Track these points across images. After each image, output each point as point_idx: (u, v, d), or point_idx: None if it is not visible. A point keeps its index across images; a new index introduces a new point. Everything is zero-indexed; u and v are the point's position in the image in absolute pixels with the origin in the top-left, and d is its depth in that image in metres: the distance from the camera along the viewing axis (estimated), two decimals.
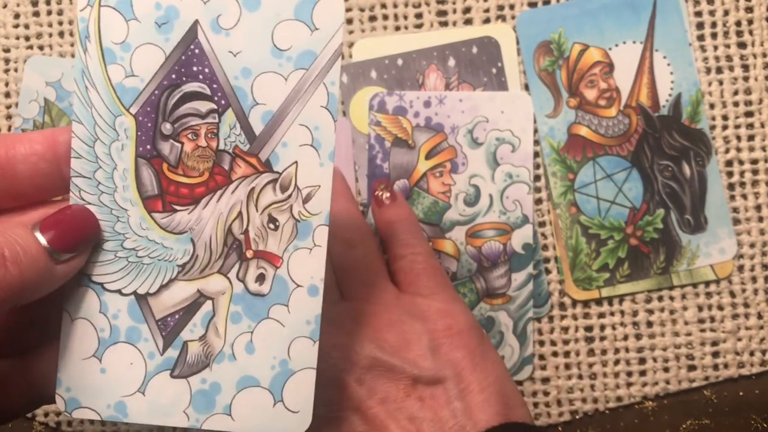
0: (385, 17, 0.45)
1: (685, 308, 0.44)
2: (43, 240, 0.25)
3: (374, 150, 0.44)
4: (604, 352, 0.44)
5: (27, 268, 0.25)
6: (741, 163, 0.44)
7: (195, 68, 0.27)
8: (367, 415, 0.33)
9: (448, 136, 0.44)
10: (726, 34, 0.44)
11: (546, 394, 0.43)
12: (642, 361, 0.43)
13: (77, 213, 0.27)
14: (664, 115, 0.44)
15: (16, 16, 0.45)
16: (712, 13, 0.44)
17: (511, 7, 0.44)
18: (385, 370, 0.34)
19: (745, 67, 0.44)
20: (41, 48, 0.45)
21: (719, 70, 0.44)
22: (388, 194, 0.41)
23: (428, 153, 0.44)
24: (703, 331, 0.44)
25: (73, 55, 0.45)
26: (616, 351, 0.44)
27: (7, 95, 0.44)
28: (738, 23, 0.44)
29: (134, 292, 0.28)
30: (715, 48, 0.44)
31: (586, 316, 0.44)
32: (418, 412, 0.33)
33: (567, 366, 0.44)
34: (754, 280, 0.44)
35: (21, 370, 0.29)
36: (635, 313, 0.43)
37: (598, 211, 0.43)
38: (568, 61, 0.44)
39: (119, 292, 0.28)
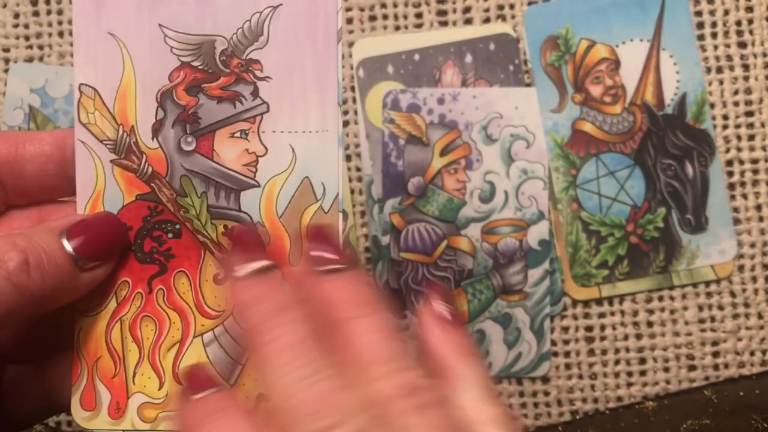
0: (385, 17, 0.45)
1: (685, 308, 0.43)
2: (69, 247, 0.26)
3: (388, 148, 0.44)
4: (604, 352, 0.44)
5: (49, 275, 0.25)
6: (741, 162, 0.44)
7: None
8: None
9: (462, 132, 0.44)
10: (726, 33, 0.44)
11: (546, 394, 0.43)
12: (642, 361, 0.43)
13: (105, 220, 0.27)
14: (669, 114, 0.44)
15: (16, 15, 0.45)
16: (712, 12, 0.44)
17: (511, 6, 0.44)
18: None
19: (746, 67, 0.44)
20: (41, 48, 0.45)
21: (719, 70, 0.44)
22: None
23: (443, 150, 0.44)
24: (703, 331, 0.43)
25: (72, 55, 0.45)
26: (617, 351, 0.43)
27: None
28: (738, 23, 0.44)
29: None
30: (716, 48, 0.44)
31: (587, 316, 0.44)
32: None
33: (567, 366, 0.44)
34: (754, 280, 0.44)
35: (36, 377, 0.29)
36: (635, 313, 0.43)
37: (599, 207, 0.43)
38: (574, 56, 0.44)
39: None
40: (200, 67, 0.27)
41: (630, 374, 0.43)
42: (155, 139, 0.27)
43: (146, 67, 0.27)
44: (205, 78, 0.27)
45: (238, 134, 0.28)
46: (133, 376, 0.28)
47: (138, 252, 0.28)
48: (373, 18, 0.45)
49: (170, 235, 0.28)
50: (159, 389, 0.28)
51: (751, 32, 0.44)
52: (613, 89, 0.44)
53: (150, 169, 0.28)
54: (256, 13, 0.27)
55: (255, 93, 0.28)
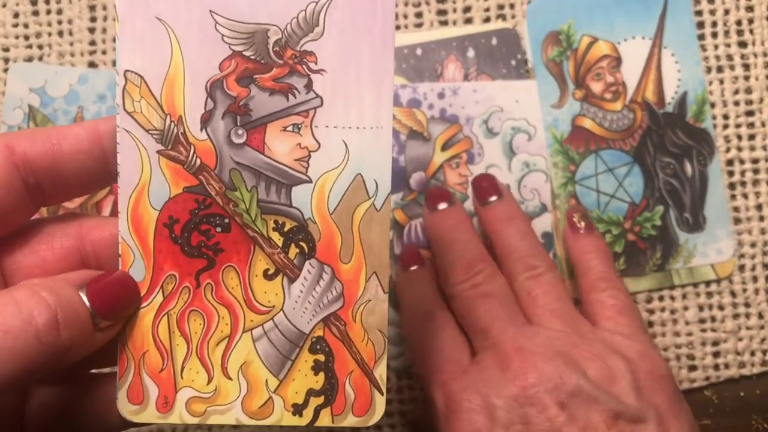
0: None
1: (685, 308, 0.43)
2: (88, 304, 0.25)
3: None
4: None
5: (75, 334, 0.24)
6: (742, 162, 0.44)
7: None
8: None
9: (464, 126, 0.44)
10: (726, 33, 0.44)
11: None
12: None
13: (122, 281, 0.27)
14: (669, 113, 0.44)
15: (16, 15, 0.45)
16: (712, 12, 0.44)
17: (512, 6, 0.44)
18: (588, 400, 0.33)
19: (746, 67, 0.44)
20: (40, 47, 0.45)
21: (720, 70, 0.44)
22: (584, 223, 0.41)
23: (444, 144, 0.44)
24: (703, 331, 0.43)
25: (72, 55, 0.45)
26: None
27: None
28: (738, 22, 0.44)
29: None
30: (716, 47, 0.44)
31: None
32: None
33: None
34: (754, 279, 0.43)
35: (63, 402, 0.29)
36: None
37: (597, 204, 0.43)
38: (576, 52, 0.44)
39: None
40: (252, 57, 0.26)
41: None
42: (204, 130, 0.27)
43: (195, 55, 0.26)
44: (257, 69, 0.27)
45: (290, 128, 0.27)
46: (181, 371, 0.27)
47: (185, 246, 0.27)
48: None
49: (219, 229, 0.27)
50: (208, 384, 0.27)
51: (751, 32, 0.44)
52: (613, 86, 0.44)
53: (198, 161, 0.27)
54: (312, 3, 0.26)
55: (309, 86, 0.27)
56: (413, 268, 0.41)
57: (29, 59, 0.44)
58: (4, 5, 0.45)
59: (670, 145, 0.43)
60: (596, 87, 0.44)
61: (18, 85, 0.44)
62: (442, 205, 0.40)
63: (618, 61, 0.44)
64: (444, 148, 0.43)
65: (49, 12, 0.45)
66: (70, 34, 0.45)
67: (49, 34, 0.45)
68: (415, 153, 0.43)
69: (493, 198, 0.40)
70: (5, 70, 0.44)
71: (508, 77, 0.44)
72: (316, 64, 0.27)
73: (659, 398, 0.34)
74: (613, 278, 0.39)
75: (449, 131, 0.43)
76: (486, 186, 0.41)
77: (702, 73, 0.44)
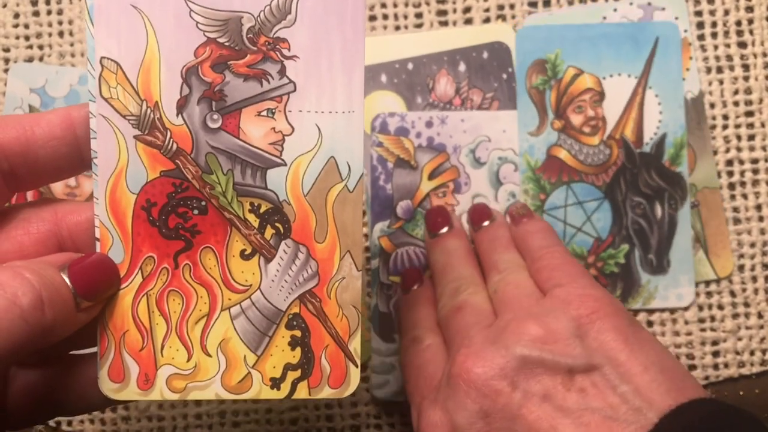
0: (385, 17, 0.45)
1: (685, 308, 0.44)
2: (70, 285, 0.25)
3: (377, 171, 0.43)
4: None
5: (59, 314, 0.25)
6: (741, 162, 0.44)
7: None
8: (529, 420, 0.31)
9: (451, 156, 0.43)
10: (726, 33, 0.44)
11: None
12: None
13: (102, 262, 0.27)
14: (646, 153, 0.43)
15: (16, 15, 0.45)
16: (712, 12, 0.44)
17: (512, 6, 0.44)
18: (536, 366, 0.32)
19: (746, 67, 0.44)
20: (41, 48, 0.45)
21: (719, 70, 0.44)
22: (524, 211, 0.41)
23: (431, 173, 0.43)
24: (703, 330, 0.44)
25: (72, 55, 0.45)
26: None
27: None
28: (738, 23, 0.44)
29: None
30: (716, 48, 0.44)
31: None
32: (584, 404, 0.31)
33: None
34: (754, 279, 0.44)
35: (42, 379, 0.29)
36: (636, 313, 0.43)
37: (563, 235, 0.43)
38: (560, 83, 0.43)
39: None
40: (226, 43, 0.27)
41: None
42: (180, 115, 0.27)
43: (171, 42, 0.27)
44: (231, 55, 0.27)
45: (264, 113, 0.28)
46: (161, 349, 0.28)
47: (163, 228, 0.28)
48: (373, 18, 0.45)
49: (196, 212, 0.28)
50: (187, 360, 0.28)
51: (751, 32, 0.44)
52: (593, 120, 0.43)
53: (175, 146, 0.28)
54: None
55: (282, 72, 0.27)
56: (414, 287, 0.41)
57: (30, 59, 0.45)
58: (5, 5, 0.45)
59: (642, 185, 0.43)
60: (576, 119, 0.43)
61: (18, 86, 0.44)
62: (443, 231, 0.42)
63: (601, 95, 0.43)
64: (431, 176, 0.43)
65: (49, 12, 0.45)
66: (71, 34, 0.45)
67: (50, 35, 0.45)
68: (402, 181, 0.43)
69: (486, 223, 0.42)
70: (6, 71, 0.44)
71: (500, 91, 0.44)
72: (289, 50, 0.27)
73: (608, 338, 0.32)
74: (552, 245, 0.38)
75: (436, 160, 0.43)
76: (479, 213, 0.42)
77: (683, 118, 0.43)
